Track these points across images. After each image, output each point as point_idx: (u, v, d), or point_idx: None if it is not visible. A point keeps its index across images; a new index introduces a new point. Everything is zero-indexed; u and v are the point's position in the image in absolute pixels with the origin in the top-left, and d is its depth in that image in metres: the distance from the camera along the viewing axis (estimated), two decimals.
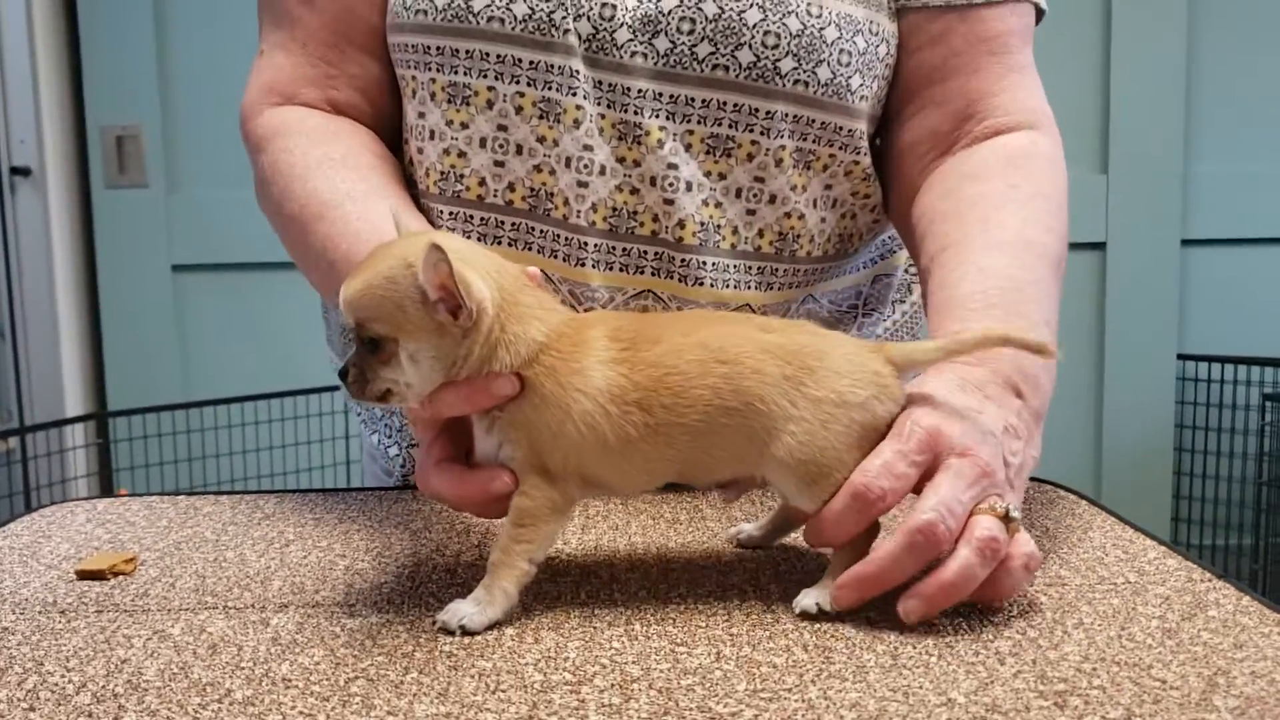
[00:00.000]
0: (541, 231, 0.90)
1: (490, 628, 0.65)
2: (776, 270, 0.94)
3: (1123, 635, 0.63)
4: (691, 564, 0.76)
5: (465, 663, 0.61)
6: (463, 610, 0.65)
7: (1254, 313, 2.91)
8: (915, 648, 0.61)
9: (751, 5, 0.86)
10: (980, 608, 0.67)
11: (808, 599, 0.66)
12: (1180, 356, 2.86)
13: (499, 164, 0.90)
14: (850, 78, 0.90)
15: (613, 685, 0.58)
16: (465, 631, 0.65)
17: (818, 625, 0.65)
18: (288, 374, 2.74)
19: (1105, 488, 2.91)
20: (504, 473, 0.67)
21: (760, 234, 0.92)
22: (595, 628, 0.65)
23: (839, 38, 0.88)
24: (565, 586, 0.72)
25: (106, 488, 2.64)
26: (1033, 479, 0.97)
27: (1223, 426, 2.78)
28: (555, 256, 0.90)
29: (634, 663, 0.60)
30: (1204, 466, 2.81)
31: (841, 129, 0.91)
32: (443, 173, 0.92)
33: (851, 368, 0.67)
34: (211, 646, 0.64)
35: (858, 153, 0.93)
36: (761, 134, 0.89)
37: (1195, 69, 2.85)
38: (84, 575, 0.76)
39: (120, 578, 0.76)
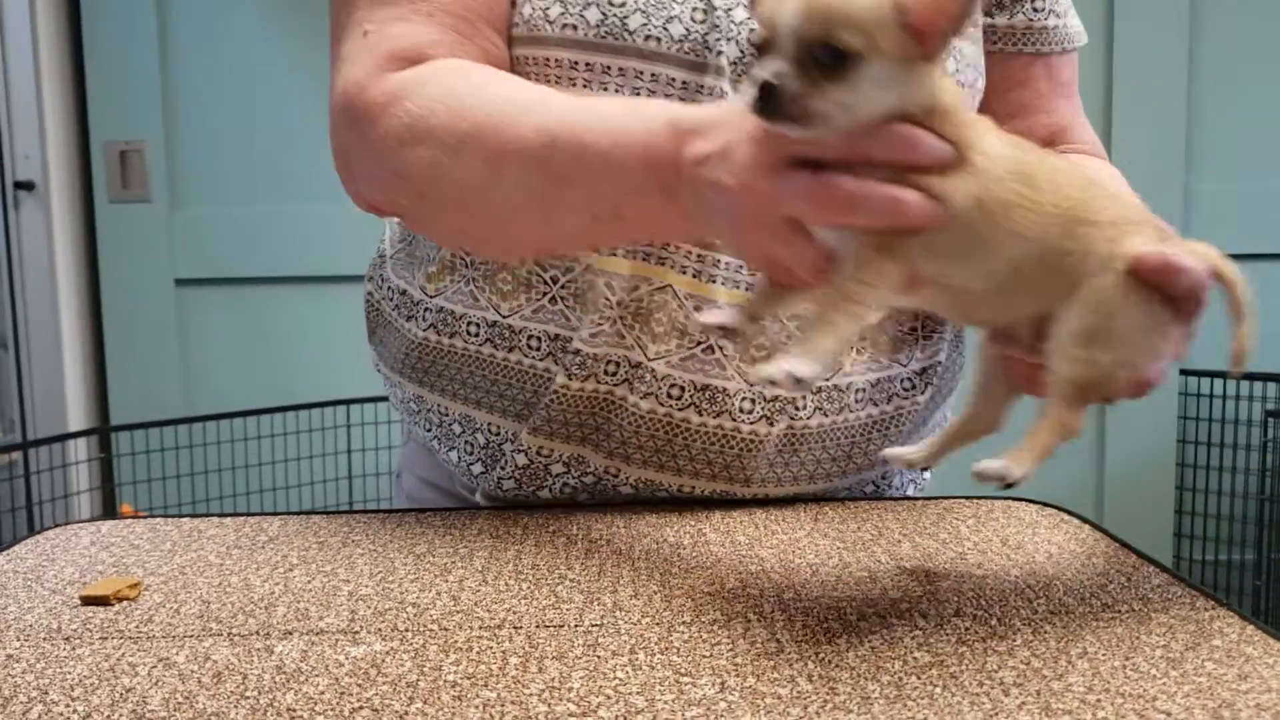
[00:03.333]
0: (675, 247, 0.91)
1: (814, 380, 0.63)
2: None
3: (1127, 665, 0.63)
4: (695, 591, 0.76)
5: (469, 693, 0.61)
6: (790, 363, 0.62)
7: (1257, 329, 2.91)
8: (920, 678, 0.62)
9: None
10: (985, 634, 0.67)
11: (994, 464, 0.67)
12: (1182, 372, 2.86)
13: None
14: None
15: (617, 716, 0.58)
16: (796, 380, 0.61)
17: (822, 655, 0.65)
18: (290, 388, 2.74)
19: (1107, 503, 2.91)
20: (924, 196, 0.63)
21: None
22: (599, 657, 0.65)
23: (955, 71, 0.95)
24: (569, 614, 0.72)
25: (109, 502, 2.65)
26: (1035, 501, 0.97)
27: (1225, 442, 2.78)
28: (685, 272, 0.91)
29: (638, 693, 0.60)
30: (1206, 482, 2.80)
31: None
32: None
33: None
34: (216, 675, 0.64)
35: None
36: None
37: (1196, 86, 2.86)
38: (88, 600, 0.76)
39: (124, 603, 0.76)
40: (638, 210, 0.77)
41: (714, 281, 0.91)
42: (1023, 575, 0.78)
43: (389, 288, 1.05)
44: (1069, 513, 0.94)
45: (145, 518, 0.99)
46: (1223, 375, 2.77)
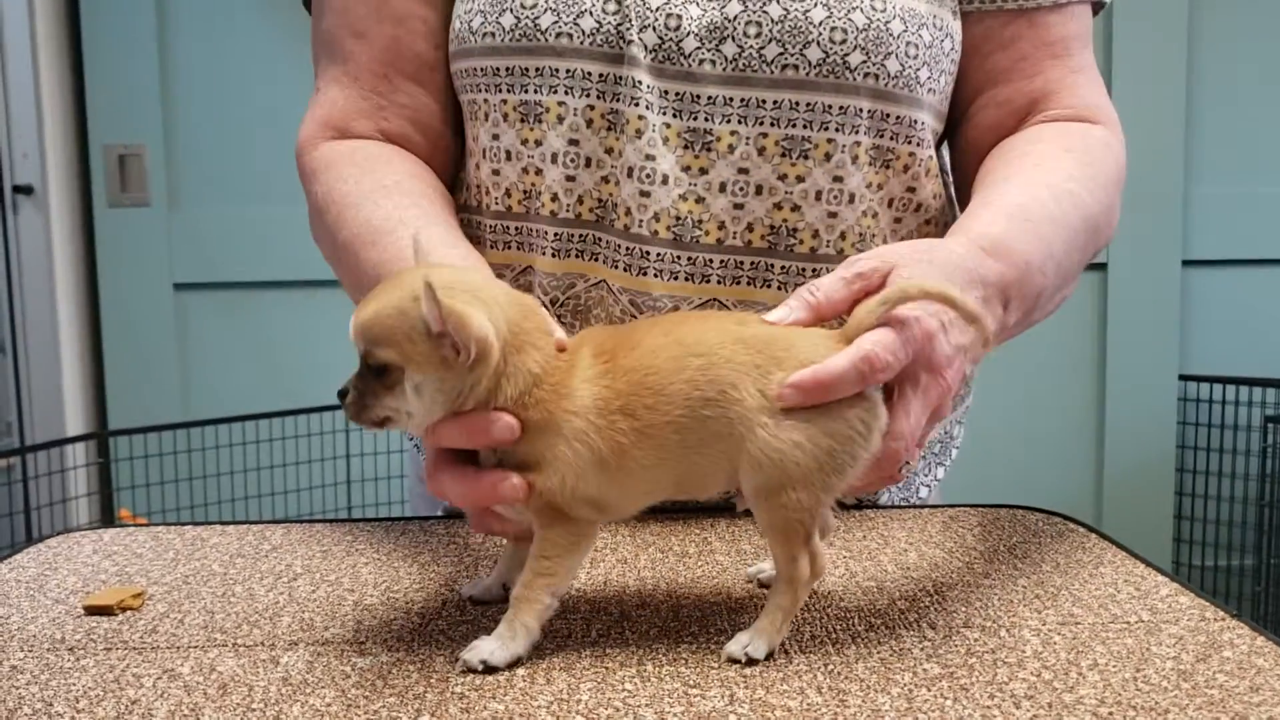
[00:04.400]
0: (606, 242, 0.91)
1: (513, 664, 0.65)
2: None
3: (1138, 678, 0.63)
4: (702, 600, 0.76)
5: (477, 705, 0.60)
6: (485, 648, 0.65)
7: (1255, 334, 2.91)
8: (930, 690, 0.61)
9: (816, 4, 0.88)
10: (994, 645, 0.67)
11: (735, 645, 0.66)
12: (1182, 377, 2.86)
13: (570, 178, 0.91)
14: (919, 70, 0.91)
15: None
16: (488, 668, 0.64)
17: (831, 667, 0.65)
18: (288, 393, 2.73)
19: (1106, 508, 2.91)
20: (513, 475, 0.66)
21: (843, 236, 0.92)
22: (607, 668, 0.65)
23: (905, 30, 0.90)
24: (576, 624, 0.72)
25: (107, 507, 2.64)
26: (1041, 510, 0.97)
27: (1224, 447, 2.78)
28: (617, 266, 0.91)
29: (647, 705, 0.60)
30: (1205, 487, 2.80)
31: (917, 122, 0.93)
32: (525, 191, 0.93)
33: (818, 356, 0.66)
34: (222, 686, 0.63)
35: (931, 147, 0.95)
36: (837, 130, 0.90)
37: (1195, 91, 2.86)
38: (92, 610, 0.76)
39: (128, 613, 0.76)
40: None
41: (646, 274, 0.91)
42: (1030, 585, 0.78)
43: None
44: (1075, 521, 0.94)
45: (145, 525, 0.98)
46: (1222, 381, 2.77)
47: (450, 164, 1.02)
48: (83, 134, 2.83)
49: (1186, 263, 2.88)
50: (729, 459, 0.66)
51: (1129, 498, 2.89)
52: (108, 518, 2.61)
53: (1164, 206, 2.85)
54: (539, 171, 0.92)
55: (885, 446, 0.67)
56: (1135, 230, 2.85)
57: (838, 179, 0.91)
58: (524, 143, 0.92)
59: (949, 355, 0.70)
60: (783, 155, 0.90)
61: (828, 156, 0.90)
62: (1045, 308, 0.87)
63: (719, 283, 0.91)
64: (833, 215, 0.92)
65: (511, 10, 0.90)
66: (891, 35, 0.89)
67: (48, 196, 2.75)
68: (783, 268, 0.91)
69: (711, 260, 0.90)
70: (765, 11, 0.88)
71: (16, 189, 2.72)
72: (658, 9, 0.89)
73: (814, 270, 0.92)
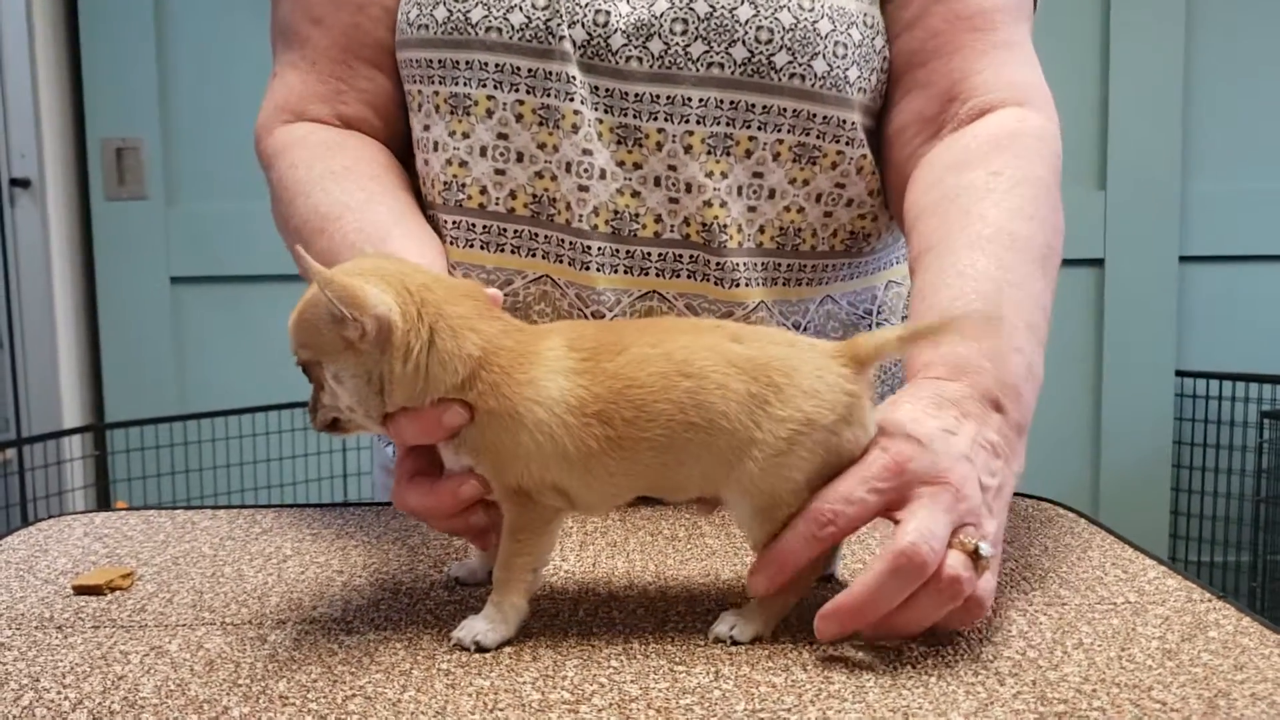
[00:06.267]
0: (545, 237, 0.91)
1: (503, 643, 0.65)
2: (780, 265, 0.94)
3: (1123, 656, 0.63)
4: (690, 582, 0.76)
5: (463, 681, 0.60)
6: (476, 628, 0.65)
7: (1252, 329, 2.91)
8: (915, 668, 0.61)
9: (743, 2, 0.88)
10: (980, 625, 0.67)
11: (723, 625, 0.66)
12: (1178, 373, 2.86)
13: (500, 172, 0.91)
14: (848, 70, 0.90)
15: (611, 704, 0.57)
16: (480, 648, 0.64)
17: (816, 644, 0.65)
18: (285, 386, 2.73)
19: (1103, 504, 2.91)
20: (470, 478, 0.66)
21: (761, 230, 0.92)
22: (594, 646, 0.65)
23: (833, 30, 0.89)
24: (563, 604, 0.72)
25: (104, 499, 2.64)
26: (1031, 496, 0.97)
27: (1221, 443, 2.78)
28: (560, 261, 0.91)
29: (632, 682, 0.60)
30: (1202, 483, 2.81)
31: (845, 122, 0.92)
32: (445, 183, 0.93)
33: (822, 387, 0.64)
34: (209, 663, 0.63)
35: (863, 145, 0.94)
36: (759, 129, 0.90)
37: (1192, 88, 2.87)
38: (81, 590, 0.76)
39: (117, 593, 0.76)
40: None
41: (589, 268, 0.90)
42: (1018, 568, 0.78)
43: None
44: (1065, 507, 0.94)
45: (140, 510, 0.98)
46: (1219, 376, 2.78)
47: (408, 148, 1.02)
48: (80, 128, 2.84)
49: (1184, 258, 2.88)
50: (707, 479, 0.65)
51: (1126, 493, 2.90)
52: (104, 509, 2.61)
53: (1161, 202, 2.85)
54: (464, 164, 0.92)
55: (898, 542, 0.61)
56: (1133, 226, 2.85)
57: (757, 175, 0.91)
58: (452, 134, 0.92)
59: (940, 468, 0.65)
60: (709, 153, 0.90)
61: (748, 154, 0.90)
62: (1038, 357, 0.80)
63: (658, 275, 0.91)
64: (752, 210, 0.92)
65: (444, 3, 0.90)
66: (819, 35, 0.88)
67: (45, 190, 2.75)
68: (718, 264, 0.91)
69: (650, 254, 0.91)
70: (692, 9, 0.88)
71: (14, 182, 2.73)
72: (586, 5, 0.88)
73: (742, 264, 0.92)
